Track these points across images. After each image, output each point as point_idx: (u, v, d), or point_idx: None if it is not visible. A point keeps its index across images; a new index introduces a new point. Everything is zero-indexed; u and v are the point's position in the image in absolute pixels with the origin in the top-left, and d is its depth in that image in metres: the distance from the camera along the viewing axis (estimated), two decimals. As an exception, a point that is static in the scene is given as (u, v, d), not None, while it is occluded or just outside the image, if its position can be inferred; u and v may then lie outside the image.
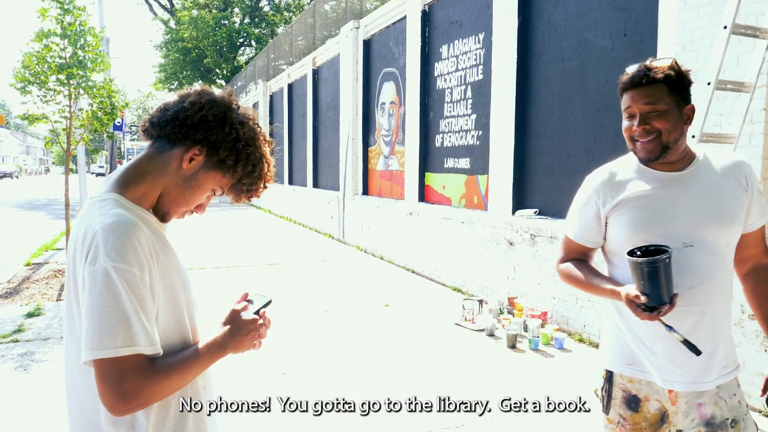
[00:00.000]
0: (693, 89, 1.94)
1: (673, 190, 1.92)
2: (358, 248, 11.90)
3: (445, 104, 8.91)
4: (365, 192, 12.27)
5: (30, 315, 6.84)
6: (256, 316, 1.53)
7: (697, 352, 1.79)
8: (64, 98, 9.19)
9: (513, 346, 5.55)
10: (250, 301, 1.60)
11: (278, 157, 20.58)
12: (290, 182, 18.77)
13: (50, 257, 10.93)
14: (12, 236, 14.87)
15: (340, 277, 9.04)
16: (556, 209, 6.58)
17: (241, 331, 1.49)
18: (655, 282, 1.74)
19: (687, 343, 1.80)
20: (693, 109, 1.91)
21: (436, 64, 9.19)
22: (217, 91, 1.55)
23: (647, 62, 1.90)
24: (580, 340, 5.80)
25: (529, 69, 7.00)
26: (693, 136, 3.63)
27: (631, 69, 1.91)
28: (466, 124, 8.35)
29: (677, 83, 1.87)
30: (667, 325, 1.83)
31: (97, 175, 57.09)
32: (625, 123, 1.93)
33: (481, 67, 8.00)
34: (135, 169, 1.48)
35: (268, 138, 1.60)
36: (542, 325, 5.80)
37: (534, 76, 6.93)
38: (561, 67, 6.48)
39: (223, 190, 1.56)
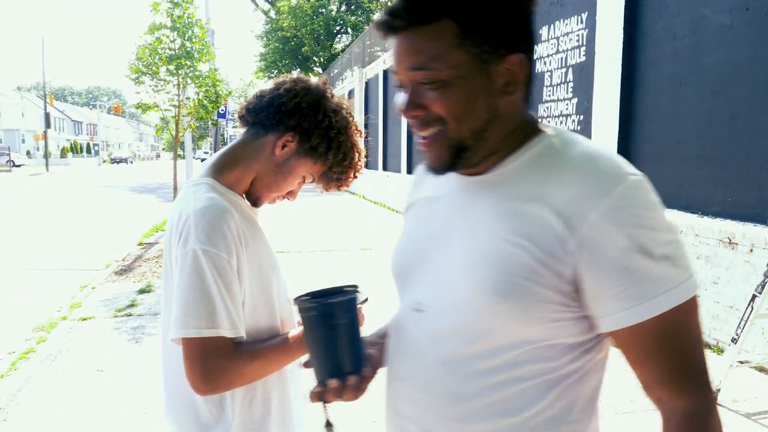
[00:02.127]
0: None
1: (445, 207, 1.14)
2: (454, 235, 11.77)
3: (545, 88, 8.62)
4: (461, 178, 12.11)
5: (141, 291, 7.31)
6: None
7: None
8: (173, 87, 9.62)
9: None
10: None
11: (373, 143, 20.72)
12: (384, 168, 18.86)
13: (160, 237, 11.51)
14: (126, 218, 15.87)
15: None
16: (664, 199, 6.16)
17: None
18: (321, 342, 1.22)
19: None
20: (522, 63, 1.01)
21: (535, 46, 8.88)
22: (312, 80, 1.56)
23: None
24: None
25: (636, 49, 6.64)
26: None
27: None
28: (567, 109, 8.06)
29: (477, 14, 0.96)
30: (327, 422, 1.26)
31: (202, 160, 59.58)
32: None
33: (583, 48, 7.68)
34: (229, 154, 1.52)
35: (360, 128, 1.60)
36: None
37: (641, 57, 6.57)
38: (672, 47, 6.10)
39: (314, 177, 1.57)
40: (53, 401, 4.25)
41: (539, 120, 1.12)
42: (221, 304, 1.31)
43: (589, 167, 0.98)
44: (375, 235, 12.01)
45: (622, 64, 6.70)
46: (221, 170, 1.49)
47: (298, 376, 1.60)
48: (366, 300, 1.47)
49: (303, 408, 1.60)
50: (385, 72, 18.59)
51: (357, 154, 1.57)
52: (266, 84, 1.59)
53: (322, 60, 39.12)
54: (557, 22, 8.27)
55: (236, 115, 1.58)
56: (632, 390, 4.30)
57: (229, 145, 1.54)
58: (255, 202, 1.55)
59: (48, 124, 53.66)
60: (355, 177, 1.61)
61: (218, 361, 1.31)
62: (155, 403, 4.11)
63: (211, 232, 1.32)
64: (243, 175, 1.50)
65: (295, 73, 1.57)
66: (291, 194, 1.60)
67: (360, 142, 1.58)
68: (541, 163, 1.02)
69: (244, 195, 1.53)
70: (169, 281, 1.42)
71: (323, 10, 39.16)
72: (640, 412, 3.97)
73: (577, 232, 0.93)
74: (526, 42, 1.03)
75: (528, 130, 1.07)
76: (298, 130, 1.48)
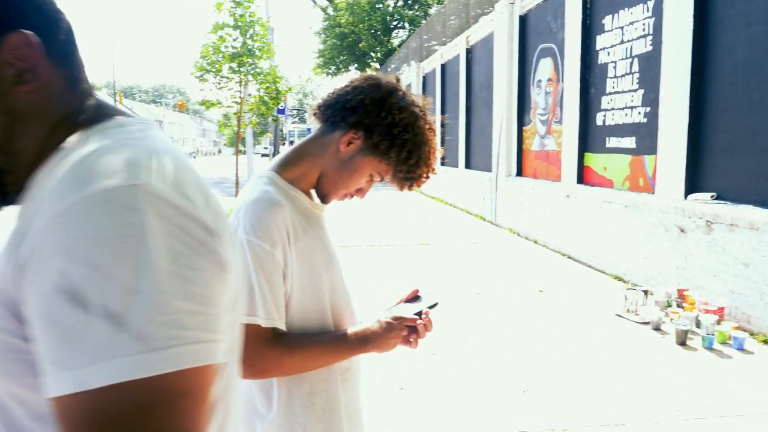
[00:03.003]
0: None
1: None
2: (511, 231, 11.58)
3: (608, 80, 8.33)
4: (519, 173, 11.89)
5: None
6: (410, 317, 1.52)
7: None
8: (235, 84, 9.80)
9: (683, 343, 5.07)
10: (418, 298, 1.58)
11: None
12: (441, 163, 18.70)
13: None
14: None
15: (491, 260, 8.82)
16: (737, 193, 5.91)
17: (387, 329, 1.50)
18: None
19: None
20: (29, 43, 0.72)
21: (598, 37, 8.61)
22: (385, 77, 1.53)
23: None
24: (766, 342, 5.16)
25: (707, 37, 6.31)
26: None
27: None
28: (632, 101, 7.75)
29: None
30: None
31: (262, 155, 60.58)
32: None
33: (650, 37, 7.37)
34: (297, 150, 1.54)
35: (432, 126, 1.55)
36: (718, 322, 5.25)
37: (713, 46, 6.24)
38: (747, 34, 5.77)
39: (382, 176, 1.55)
40: None
41: (109, 109, 0.83)
42: (259, 294, 1.35)
43: (67, 169, 0.68)
44: (432, 231, 11.90)
45: (692, 53, 6.39)
46: (286, 165, 1.51)
47: (354, 377, 1.58)
48: (436, 304, 1.56)
49: (355, 410, 1.58)
50: (443, 66, 18.43)
51: (426, 153, 1.52)
52: (340, 82, 1.59)
53: (379, 55, 39.17)
54: (621, 11, 7.96)
55: (311, 113, 1.58)
56: (705, 395, 4.10)
57: (300, 141, 1.56)
58: (323, 199, 1.55)
59: (116, 120, 55.42)
60: (427, 177, 1.56)
61: (255, 348, 1.34)
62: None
63: (256, 224, 1.35)
64: (308, 170, 1.51)
65: (369, 71, 1.56)
66: (360, 192, 1.58)
67: (432, 140, 1.53)
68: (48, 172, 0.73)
69: (310, 191, 1.54)
70: None
71: (380, 6, 39.19)
72: (713, 418, 3.77)
73: (18, 249, 0.67)
74: (26, 14, 0.73)
75: (75, 127, 0.78)
76: (361, 127, 1.47)
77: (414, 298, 1.60)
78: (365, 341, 1.48)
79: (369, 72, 1.51)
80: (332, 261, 1.52)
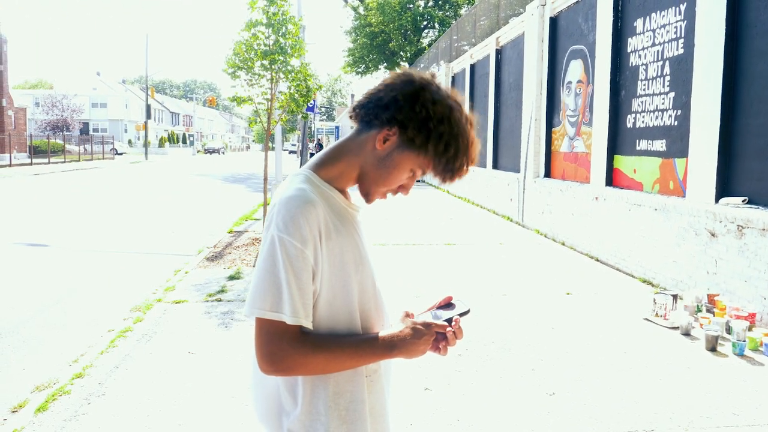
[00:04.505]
0: None
1: None
2: (538, 232, 11.56)
3: (639, 82, 8.28)
4: (547, 174, 11.86)
5: (231, 278, 7.55)
6: (440, 323, 1.49)
7: None
8: (266, 82, 9.91)
9: (713, 349, 5.04)
10: (451, 305, 1.56)
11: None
12: (470, 163, 18.70)
13: (249, 226, 11.97)
14: (217, 206, 16.52)
15: (518, 261, 8.83)
16: (768, 198, 5.86)
17: (415, 335, 1.46)
18: None
19: None
20: None
21: (629, 39, 8.56)
22: (417, 73, 1.52)
23: None
24: (795, 347, 5.12)
25: (740, 41, 6.26)
26: None
27: None
28: (663, 103, 7.71)
29: None
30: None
31: (290, 152, 60.95)
32: None
33: (681, 40, 7.32)
34: (335, 149, 1.55)
35: (470, 117, 1.53)
36: (749, 328, 5.21)
37: (746, 49, 6.19)
38: (781, 38, 5.72)
39: (424, 170, 1.53)
40: (147, 379, 4.43)
41: None
42: (287, 291, 1.36)
43: None
44: (459, 231, 11.93)
45: (724, 57, 6.34)
46: (324, 164, 1.52)
47: (382, 379, 1.57)
48: (468, 311, 1.53)
49: (381, 413, 1.57)
50: (472, 66, 18.40)
51: (464, 144, 1.49)
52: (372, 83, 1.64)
53: (408, 55, 39.20)
54: (653, 14, 7.92)
55: (349, 113, 1.59)
56: (735, 403, 4.09)
57: (339, 140, 1.57)
58: (366, 198, 1.56)
59: (148, 116, 56.33)
60: (467, 168, 1.53)
61: (280, 345, 1.36)
62: (242, 388, 4.24)
63: (289, 221, 1.36)
64: (346, 169, 1.52)
65: (403, 67, 1.59)
66: (403, 188, 1.57)
67: (470, 131, 1.51)
68: None
69: (347, 190, 1.55)
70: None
71: (411, 6, 39.24)
72: (743, 426, 3.76)
73: None
74: None
75: None
76: (395, 123, 1.46)
77: (447, 305, 1.57)
78: (392, 346, 1.45)
79: (403, 67, 1.50)
80: (363, 262, 1.51)
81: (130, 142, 76.53)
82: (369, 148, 1.50)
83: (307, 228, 1.37)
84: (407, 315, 1.54)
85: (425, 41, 40.66)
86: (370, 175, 1.51)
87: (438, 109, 1.46)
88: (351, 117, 1.56)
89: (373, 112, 1.48)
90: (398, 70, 1.54)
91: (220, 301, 6.49)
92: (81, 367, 4.62)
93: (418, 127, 1.45)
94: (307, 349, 1.38)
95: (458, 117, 1.49)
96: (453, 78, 21.64)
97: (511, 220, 13.41)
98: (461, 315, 1.51)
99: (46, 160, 39.00)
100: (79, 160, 43.41)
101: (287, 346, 1.36)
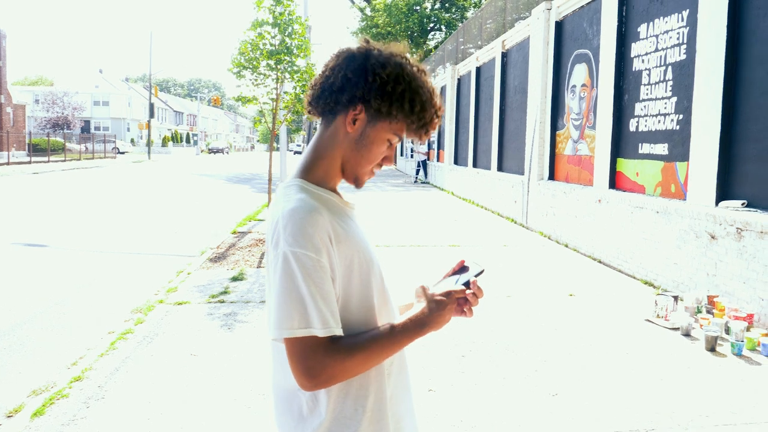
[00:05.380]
0: None
1: None
2: (542, 234, 11.66)
3: (642, 86, 8.39)
4: (551, 177, 11.96)
5: (234, 279, 7.56)
6: (458, 288, 1.49)
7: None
8: (272, 82, 9.95)
9: (712, 349, 5.15)
10: (465, 269, 1.58)
11: (463, 139, 20.66)
12: (474, 165, 18.78)
13: (253, 227, 12.02)
14: (221, 206, 16.57)
15: (522, 263, 8.93)
16: (768, 202, 5.96)
17: (438, 307, 1.46)
18: None
19: None
20: None
21: (633, 44, 8.67)
22: (354, 45, 1.51)
23: None
24: (792, 348, 5.22)
25: (740, 47, 6.37)
26: None
27: None
28: (665, 108, 7.81)
29: None
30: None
31: (295, 153, 61.01)
32: None
33: (684, 46, 7.42)
34: (312, 150, 1.54)
35: (420, 66, 1.52)
36: (748, 329, 5.32)
37: (746, 56, 6.29)
38: (781, 45, 5.83)
39: (399, 136, 1.51)
40: (148, 382, 4.39)
41: None
42: (312, 304, 1.33)
43: None
44: (463, 232, 12.03)
45: (725, 63, 6.45)
46: (308, 168, 1.51)
47: (400, 371, 1.59)
48: (482, 271, 1.55)
49: (402, 406, 1.58)
50: (478, 69, 18.49)
51: (426, 95, 1.49)
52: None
53: (414, 57, 39.28)
54: (657, 20, 8.02)
55: (306, 112, 1.58)
56: (734, 402, 4.19)
57: (311, 141, 1.56)
58: (356, 183, 1.56)
59: (152, 114, 56.36)
60: (438, 117, 1.53)
61: (316, 358, 1.33)
62: (245, 390, 4.28)
63: (298, 234, 1.35)
64: (329, 165, 1.52)
65: (338, 48, 1.55)
66: (387, 160, 1.56)
67: (426, 79, 1.51)
68: None
69: (338, 190, 1.55)
70: (269, 282, 1.46)
71: (418, 8, 39.33)
72: (741, 424, 3.86)
73: None
74: None
75: None
76: (357, 101, 1.45)
77: (461, 269, 1.59)
78: (423, 324, 1.45)
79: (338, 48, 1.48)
80: (372, 259, 1.52)
81: (132, 141, 76.60)
82: (341, 135, 1.49)
83: (318, 236, 1.36)
84: (423, 289, 1.53)
85: (432, 43, 40.76)
86: (352, 160, 1.51)
87: (389, 70, 1.45)
88: (310, 113, 1.55)
89: (331, 99, 1.47)
90: (335, 51, 1.52)
91: (223, 302, 6.48)
92: (80, 370, 4.56)
93: (379, 96, 1.44)
94: (343, 354, 1.36)
95: (410, 70, 1.48)
96: (459, 80, 21.73)
97: (515, 222, 13.51)
98: (477, 276, 1.53)
99: (45, 159, 38.58)
100: (79, 159, 43.20)
101: (323, 358, 1.34)
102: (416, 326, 1.45)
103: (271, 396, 1.59)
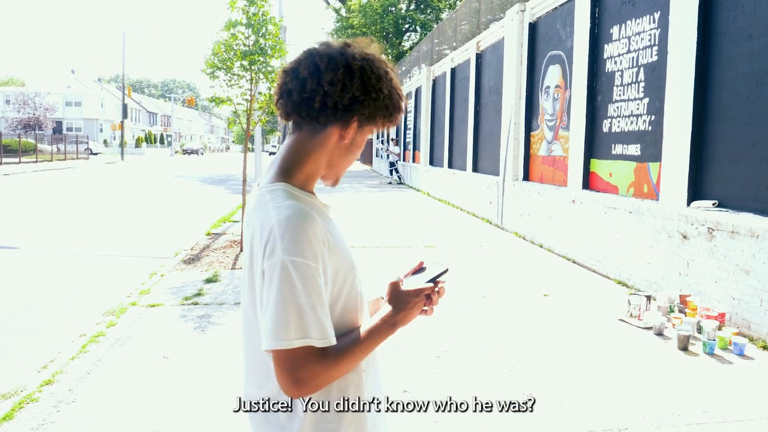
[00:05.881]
0: None
1: None
2: (517, 234, 11.71)
3: (615, 88, 8.46)
4: (526, 177, 12.02)
5: (208, 281, 7.48)
6: (421, 286, 1.52)
7: None
8: (246, 82, 9.89)
9: (684, 348, 5.19)
10: (423, 269, 1.61)
11: (438, 140, 20.70)
12: (450, 166, 18.82)
13: (227, 228, 11.91)
14: (195, 207, 16.39)
15: (497, 263, 8.95)
16: (738, 201, 6.04)
17: (405, 306, 1.49)
18: None
19: None
20: None
21: (605, 45, 8.74)
22: (334, 50, 1.49)
23: None
24: (765, 348, 5.28)
25: (711, 49, 6.45)
26: None
27: None
28: (638, 109, 7.88)
29: None
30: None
31: (270, 153, 60.69)
32: None
33: (655, 48, 7.50)
34: (295, 153, 1.51)
35: (391, 65, 1.55)
36: (719, 328, 5.38)
37: (716, 57, 6.37)
38: (749, 47, 5.90)
39: (377, 131, 1.58)
40: (120, 385, 4.34)
41: None
42: (310, 314, 1.33)
43: None
44: (438, 233, 12.04)
45: (696, 64, 6.52)
46: (291, 171, 1.49)
47: (374, 369, 1.61)
48: (446, 271, 1.58)
49: (377, 403, 1.60)
50: (453, 70, 18.55)
51: (398, 88, 1.54)
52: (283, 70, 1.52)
53: (390, 58, 39.33)
54: (629, 22, 8.10)
55: (278, 112, 1.54)
56: (706, 400, 4.22)
57: (290, 143, 1.52)
58: (335, 183, 1.59)
59: (125, 115, 55.72)
60: (402, 112, 1.57)
61: (308, 368, 1.33)
62: (219, 393, 4.23)
63: (296, 242, 1.33)
64: (315, 169, 1.51)
65: (303, 53, 1.51)
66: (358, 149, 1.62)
67: (392, 72, 1.54)
68: None
69: (314, 190, 1.55)
70: (252, 289, 1.43)
71: (393, 9, 39.42)
72: (713, 423, 3.88)
73: None
74: None
75: None
76: (353, 114, 1.47)
77: (420, 269, 1.61)
78: (394, 323, 1.48)
79: (314, 49, 1.42)
80: (354, 263, 1.53)
81: (105, 142, 75.59)
82: (332, 143, 1.50)
83: (316, 244, 1.36)
84: (396, 286, 1.54)
85: (407, 44, 40.88)
86: (339, 164, 1.54)
87: (381, 82, 1.49)
88: (289, 115, 1.50)
89: (324, 111, 1.45)
90: (318, 54, 1.47)
91: (197, 304, 6.42)
92: (50, 374, 4.51)
93: (373, 107, 1.48)
94: (332, 361, 1.37)
95: (393, 76, 1.53)
96: (434, 81, 21.78)
97: (491, 223, 13.56)
98: (441, 274, 1.56)
99: (16, 160, 37.82)
100: (51, 160, 42.50)
101: (315, 366, 1.34)
102: (389, 325, 1.48)
103: (246, 399, 1.56)
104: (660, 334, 5.59)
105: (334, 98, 1.43)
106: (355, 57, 1.48)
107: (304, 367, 1.33)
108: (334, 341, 1.37)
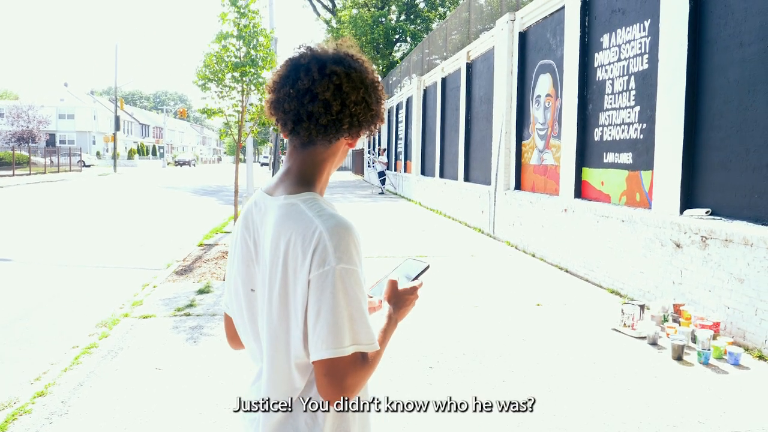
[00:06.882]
0: None
1: None
2: (509, 244, 11.66)
3: (606, 96, 8.45)
4: (517, 187, 11.99)
5: (201, 292, 7.44)
6: (415, 284, 1.66)
7: None
8: (237, 94, 9.89)
9: (679, 358, 5.14)
10: (401, 265, 1.76)
11: (430, 150, 20.70)
12: (441, 175, 18.80)
13: (219, 239, 11.84)
14: (187, 219, 16.33)
15: (489, 273, 8.89)
16: (731, 209, 6.01)
17: (404, 303, 1.63)
18: None
19: None
20: None
21: (596, 54, 8.74)
22: (328, 60, 1.48)
23: None
24: (761, 357, 5.24)
25: (702, 57, 6.44)
26: None
27: None
28: (629, 117, 7.87)
29: None
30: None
31: (262, 164, 60.60)
32: None
33: (646, 56, 7.49)
34: (313, 164, 1.53)
35: (375, 79, 1.58)
36: (714, 337, 5.33)
37: (707, 65, 6.36)
38: (740, 54, 5.89)
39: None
40: (113, 397, 4.34)
41: None
42: (361, 320, 1.37)
43: None
44: (430, 243, 11.98)
45: (687, 72, 6.51)
46: (311, 181, 1.52)
47: None
48: (428, 267, 1.73)
49: (377, 403, 1.67)
50: (444, 80, 18.57)
51: (383, 95, 1.60)
52: (280, 84, 1.53)
53: (381, 68, 39.52)
54: (619, 30, 8.09)
55: (282, 129, 1.55)
56: (701, 411, 4.16)
57: (309, 152, 1.52)
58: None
59: (117, 127, 55.75)
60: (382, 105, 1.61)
61: (355, 374, 1.35)
62: (211, 404, 4.20)
63: (346, 250, 1.37)
64: (328, 176, 1.57)
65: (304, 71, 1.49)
66: None
67: (376, 78, 1.58)
68: None
69: None
70: (284, 300, 1.42)
71: (383, 20, 39.60)
72: None
73: None
74: None
75: None
76: (355, 125, 1.52)
77: (398, 266, 1.76)
78: (396, 321, 1.59)
79: (326, 66, 1.47)
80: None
81: (98, 154, 75.44)
82: (341, 150, 1.58)
83: (361, 252, 1.42)
84: (394, 284, 1.66)
85: (397, 55, 41.02)
86: (333, 165, 1.60)
87: (377, 93, 1.54)
88: (309, 138, 1.49)
89: (338, 127, 1.48)
90: (336, 74, 1.46)
91: (189, 315, 6.40)
92: (43, 386, 4.51)
93: (373, 120, 1.54)
94: (369, 363, 1.40)
95: (375, 78, 1.57)
96: (425, 91, 21.80)
97: (483, 232, 13.52)
98: (423, 272, 1.71)
99: (10, 173, 38.32)
100: (45, 173, 42.62)
101: (360, 371, 1.37)
102: (394, 321, 1.58)
103: (256, 426, 1.52)
104: (654, 343, 5.53)
105: (359, 117, 1.50)
106: (366, 69, 1.53)
107: (353, 374, 1.35)
108: (377, 345, 1.41)
